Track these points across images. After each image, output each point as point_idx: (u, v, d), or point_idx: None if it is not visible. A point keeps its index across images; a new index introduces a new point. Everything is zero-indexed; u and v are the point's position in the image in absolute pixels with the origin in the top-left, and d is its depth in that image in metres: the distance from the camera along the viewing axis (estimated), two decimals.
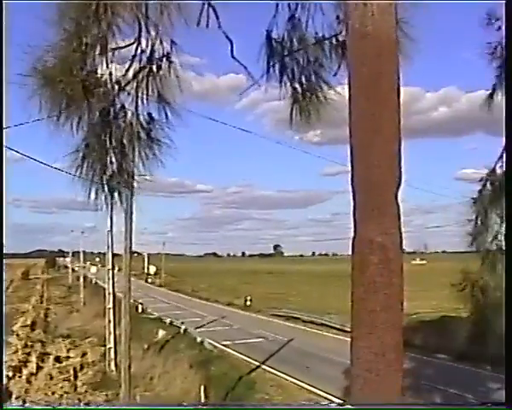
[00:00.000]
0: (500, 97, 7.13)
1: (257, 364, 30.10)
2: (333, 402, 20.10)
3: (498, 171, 6.59)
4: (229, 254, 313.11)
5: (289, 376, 27.46)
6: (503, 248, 6.36)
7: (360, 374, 3.60)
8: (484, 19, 7.12)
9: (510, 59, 4.49)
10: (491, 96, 7.26)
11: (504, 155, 4.68)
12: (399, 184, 3.63)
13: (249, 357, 32.06)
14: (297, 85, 5.85)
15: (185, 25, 5.07)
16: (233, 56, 5.81)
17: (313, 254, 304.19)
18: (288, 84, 5.86)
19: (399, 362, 3.69)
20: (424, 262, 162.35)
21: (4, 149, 5.73)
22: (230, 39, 5.74)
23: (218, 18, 5.47)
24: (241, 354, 33.43)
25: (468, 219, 6.45)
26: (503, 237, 6.37)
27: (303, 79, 5.84)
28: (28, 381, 27.94)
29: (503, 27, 4.83)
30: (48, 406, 20.84)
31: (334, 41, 5.76)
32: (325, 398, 23.13)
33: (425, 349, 31.73)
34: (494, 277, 6.37)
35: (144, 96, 5.36)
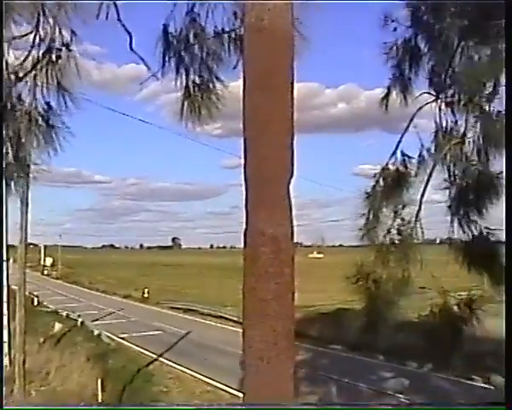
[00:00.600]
0: (395, 96, 7.38)
1: (154, 356, 29.93)
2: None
3: (391, 167, 6.83)
4: (127, 247, 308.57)
5: (187, 368, 27.46)
6: (395, 241, 6.61)
7: (252, 363, 3.67)
8: (380, 20, 7.35)
9: (510, 59, 4.63)
10: (387, 94, 7.49)
11: (504, 156, 4.84)
12: (291, 177, 3.72)
13: (147, 350, 31.84)
14: (191, 79, 5.88)
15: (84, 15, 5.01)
16: (131, 49, 5.78)
17: (211, 246, 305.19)
18: (184, 77, 5.89)
19: (291, 350, 3.78)
20: (321, 256, 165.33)
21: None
22: (129, 32, 5.72)
23: (117, 10, 5.44)
24: (138, 346, 33.15)
25: (361, 213, 6.65)
26: (395, 232, 6.62)
27: (197, 73, 5.88)
28: None
29: (505, 26, 4.97)
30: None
31: (233, 35, 5.82)
32: (222, 390, 23.31)
33: (321, 341, 32.45)
34: (386, 269, 6.60)
35: (44, 86, 5.25)
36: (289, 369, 3.79)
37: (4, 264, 30.47)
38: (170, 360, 29.30)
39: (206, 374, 25.99)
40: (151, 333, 38.34)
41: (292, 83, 3.78)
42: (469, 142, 6.62)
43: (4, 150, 5.27)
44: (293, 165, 3.73)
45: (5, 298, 30.29)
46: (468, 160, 6.70)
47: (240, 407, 5.71)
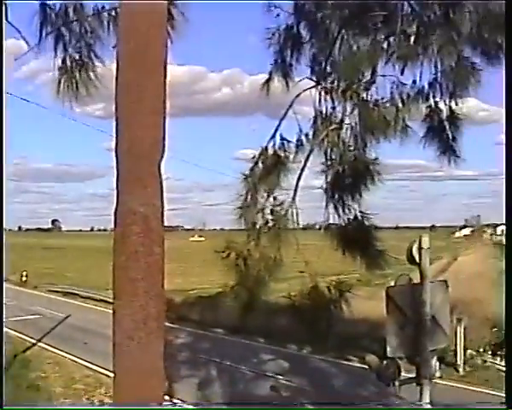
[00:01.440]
0: (277, 82, 7.46)
1: (33, 341, 29.05)
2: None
3: (270, 150, 6.91)
4: (4, 229, 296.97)
5: (67, 353, 26.86)
6: (270, 222, 6.71)
7: (122, 342, 3.63)
8: (264, 5, 7.40)
9: (510, 59, 4.68)
10: (268, 80, 7.56)
11: (504, 155, 4.90)
12: (162, 157, 3.69)
13: (25, 335, 30.85)
14: (69, 56, 5.73)
15: None
16: (7, 20, 5.55)
17: (92, 229, 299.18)
18: (63, 54, 5.72)
19: (161, 330, 3.77)
20: (203, 239, 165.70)
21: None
22: (4, 2, 5.49)
23: None
24: (16, 331, 32.08)
25: (239, 195, 6.70)
26: (269, 211, 6.71)
27: (75, 50, 5.72)
28: None
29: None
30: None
31: (113, 13, 5.70)
32: (102, 373, 22.93)
33: (202, 324, 32.56)
34: (259, 250, 6.68)
35: None
36: (159, 348, 3.78)
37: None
38: (49, 345, 28.54)
39: (86, 358, 25.52)
40: (29, 317, 37.18)
41: (165, 63, 3.75)
42: (347, 128, 6.80)
43: None
44: (164, 144, 3.71)
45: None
46: (345, 145, 6.88)
47: (240, 407, 5.78)
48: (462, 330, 22.96)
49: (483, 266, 63.68)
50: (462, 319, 23.29)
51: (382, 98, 6.72)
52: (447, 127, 7.34)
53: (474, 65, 7.06)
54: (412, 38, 6.56)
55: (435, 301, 7.68)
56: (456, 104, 7.23)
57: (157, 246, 3.69)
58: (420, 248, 7.48)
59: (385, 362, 7.74)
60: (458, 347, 22.82)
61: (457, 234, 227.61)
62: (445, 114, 7.34)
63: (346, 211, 6.88)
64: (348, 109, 6.73)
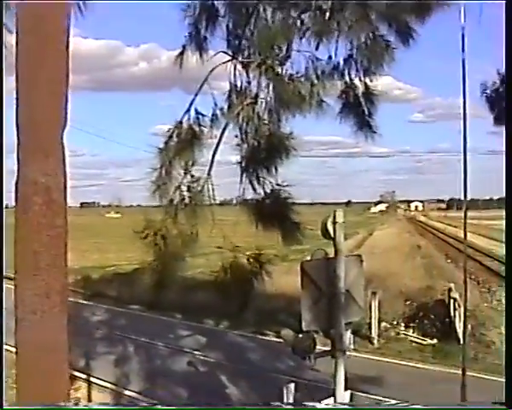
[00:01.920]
0: (191, 56, 7.33)
1: None
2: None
3: (184, 125, 6.82)
4: None
5: None
6: (186, 199, 6.64)
7: (25, 317, 3.52)
8: None
9: (510, 58, 4.62)
10: (182, 53, 7.42)
11: (504, 155, 4.84)
12: (65, 127, 3.56)
13: None
14: None
15: None
16: None
17: (6, 206, 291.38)
18: None
19: (64, 304, 3.67)
20: (119, 215, 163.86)
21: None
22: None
23: None
24: None
25: (153, 169, 6.60)
26: (185, 188, 6.65)
27: None
28: None
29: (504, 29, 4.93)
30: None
31: None
32: (8, 350, 22.36)
33: (119, 300, 32.27)
34: (176, 226, 6.61)
35: None
36: (63, 322, 3.68)
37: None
38: None
39: None
40: None
41: (68, 32, 3.61)
42: (262, 102, 6.78)
43: None
44: (67, 114, 3.58)
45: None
46: (260, 120, 6.85)
47: (241, 407, 5.67)
48: (377, 304, 23.53)
49: (397, 241, 65.41)
50: (376, 293, 23.86)
51: (297, 73, 6.73)
52: (363, 103, 7.42)
53: (389, 42, 7.15)
54: (327, 14, 6.58)
55: (350, 275, 7.76)
56: (371, 81, 7.33)
57: (60, 218, 3.58)
58: (334, 223, 7.54)
59: (300, 336, 7.80)
60: (373, 320, 23.38)
61: (373, 209, 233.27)
62: (360, 90, 7.42)
63: (262, 185, 6.86)
64: (263, 84, 6.71)
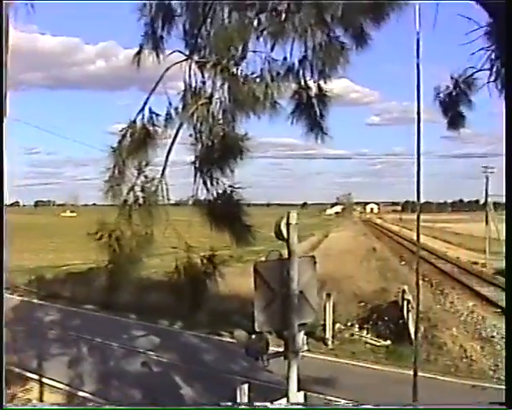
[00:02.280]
0: (147, 54, 7.25)
1: None
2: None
3: (138, 124, 6.76)
4: None
5: None
6: (140, 200, 6.57)
7: None
8: None
9: (510, 57, 4.59)
10: (139, 52, 7.34)
11: (504, 154, 4.83)
12: (2, 118, 3.48)
13: None
14: None
15: None
16: None
17: None
18: None
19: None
20: (74, 214, 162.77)
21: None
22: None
23: None
24: None
25: (106, 168, 6.52)
26: (139, 189, 6.58)
27: None
28: None
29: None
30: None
31: None
32: None
33: (73, 301, 31.96)
34: (130, 227, 6.55)
35: None
36: None
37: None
38: None
39: None
40: None
41: (7, 25, 3.53)
42: (216, 103, 6.75)
43: None
44: (3, 105, 3.50)
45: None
46: (214, 120, 6.83)
47: (243, 407, 5.63)
48: (332, 306, 23.71)
49: (352, 243, 66.01)
50: (331, 295, 24.05)
51: (252, 74, 6.72)
52: (315, 105, 7.46)
53: (343, 45, 7.19)
54: (283, 15, 6.59)
55: (303, 276, 7.82)
56: (325, 82, 7.36)
57: None
58: (288, 224, 7.59)
59: (253, 337, 7.82)
60: (327, 321, 23.56)
61: (329, 211, 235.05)
62: (313, 91, 7.45)
63: (215, 185, 6.84)
64: (218, 84, 6.69)
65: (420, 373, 19.93)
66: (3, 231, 5.11)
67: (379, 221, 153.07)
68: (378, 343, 23.54)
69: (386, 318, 24.95)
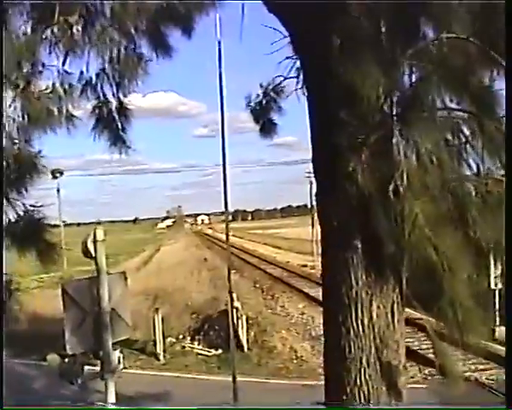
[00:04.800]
0: None
1: None
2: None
3: None
4: None
5: None
6: None
7: None
8: None
9: (510, 58, 4.29)
10: None
11: (504, 154, 4.50)
12: None
13: None
14: None
15: None
16: None
17: None
18: None
19: None
20: None
21: None
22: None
23: None
24: None
25: None
26: None
27: None
28: None
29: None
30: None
31: None
32: None
33: None
34: None
35: None
36: None
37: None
38: None
39: None
40: None
41: None
42: (9, 121, 6.45)
43: None
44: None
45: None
46: (10, 138, 6.53)
47: (243, 407, 5.06)
48: (161, 320, 23.53)
49: (184, 255, 66.09)
50: (159, 309, 23.91)
51: (46, 89, 6.48)
52: (116, 118, 7.34)
53: (142, 56, 7.13)
54: (76, 28, 6.42)
55: (114, 293, 7.69)
56: (125, 95, 7.27)
57: None
58: (95, 241, 7.42)
59: (66, 360, 7.58)
60: (157, 336, 23.34)
61: (160, 225, 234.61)
62: (114, 105, 7.33)
63: (13, 207, 6.53)
64: (9, 102, 6.37)
65: (252, 378, 20.33)
66: (3, 232, 5.47)
67: (210, 231, 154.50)
68: (210, 353, 23.66)
69: (217, 327, 25.11)
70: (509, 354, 4.33)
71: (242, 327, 23.31)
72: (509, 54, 4.22)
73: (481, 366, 17.48)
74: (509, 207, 4.19)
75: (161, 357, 23.29)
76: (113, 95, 7.24)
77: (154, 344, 23.35)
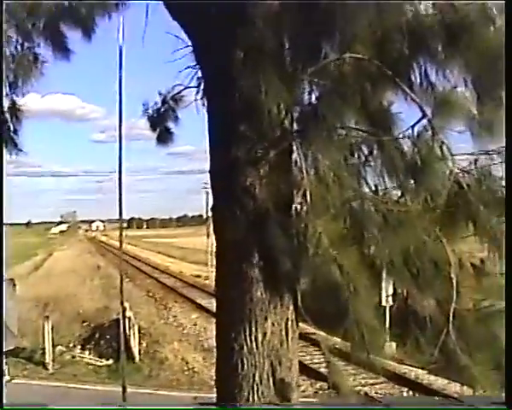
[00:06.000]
0: None
1: None
2: None
3: None
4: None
5: None
6: None
7: None
8: None
9: (510, 60, 3.97)
10: None
11: (504, 154, 4.19)
12: None
13: None
14: None
15: None
16: None
17: None
18: None
19: None
20: None
21: None
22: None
23: None
24: None
25: None
26: None
27: None
28: None
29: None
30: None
31: None
32: None
33: None
34: None
35: None
36: None
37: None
38: None
39: None
40: None
41: None
42: None
43: None
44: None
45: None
46: None
47: (245, 407, 4.58)
48: (50, 328, 22.86)
49: (77, 262, 64.79)
50: (49, 317, 23.25)
51: None
52: (9, 119, 7.01)
53: (38, 56, 6.86)
54: None
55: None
56: (18, 96, 6.95)
57: None
58: None
59: None
60: (46, 345, 22.66)
61: (54, 230, 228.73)
62: (6, 105, 7.00)
63: None
64: None
65: (142, 389, 20.05)
66: (3, 231, 5.39)
67: (104, 239, 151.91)
68: (100, 363, 23.16)
69: (108, 336, 24.65)
70: (509, 354, 4.37)
71: (134, 337, 22.97)
72: (509, 54, 4.26)
73: (371, 381, 17.90)
74: (509, 207, 4.24)
75: (50, 366, 22.59)
76: (7, 95, 6.93)
77: (43, 353, 22.65)
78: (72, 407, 16.81)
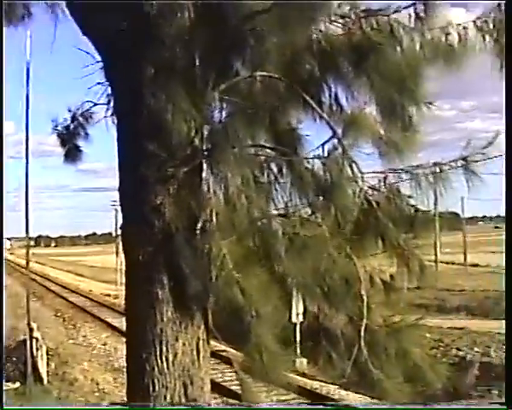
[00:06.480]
0: None
1: None
2: None
3: None
4: None
5: None
6: None
7: None
8: None
9: (510, 58, 3.72)
10: None
11: (504, 154, 3.93)
12: None
13: None
14: None
15: None
16: None
17: None
18: None
19: None
20: None
21: None
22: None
23: None
24: None
25: None
26: None
27: None
28: None
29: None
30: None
31: None
32: None
33: None
34: None
35: None
36: None
37: None
38: None
39: None
40: None
41: None
42: None
43: None
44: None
45: None
46: None
47: (241, 407, 4.07)
48: None
49: None
50: None
51: None
52: None
53: None
54: None
55: None
56: None
57: None
58: None
59: None
60: None
61: None
62: None
63: None
64: None
65: None
66: (3, 231, 5.52)
67: (11, 257, 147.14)
68: (6, 387, 22.33)
69: (14, 358, 23.79)
70: (509, 354, 4.37)
71: (42, 358, 22.28)
72: (509, 53, 4.30)
73: (283, 397, 17.96)
74: (509, 207, 4.33)
75: None
76: None
77: None
78: (72, 407, 16.25)
